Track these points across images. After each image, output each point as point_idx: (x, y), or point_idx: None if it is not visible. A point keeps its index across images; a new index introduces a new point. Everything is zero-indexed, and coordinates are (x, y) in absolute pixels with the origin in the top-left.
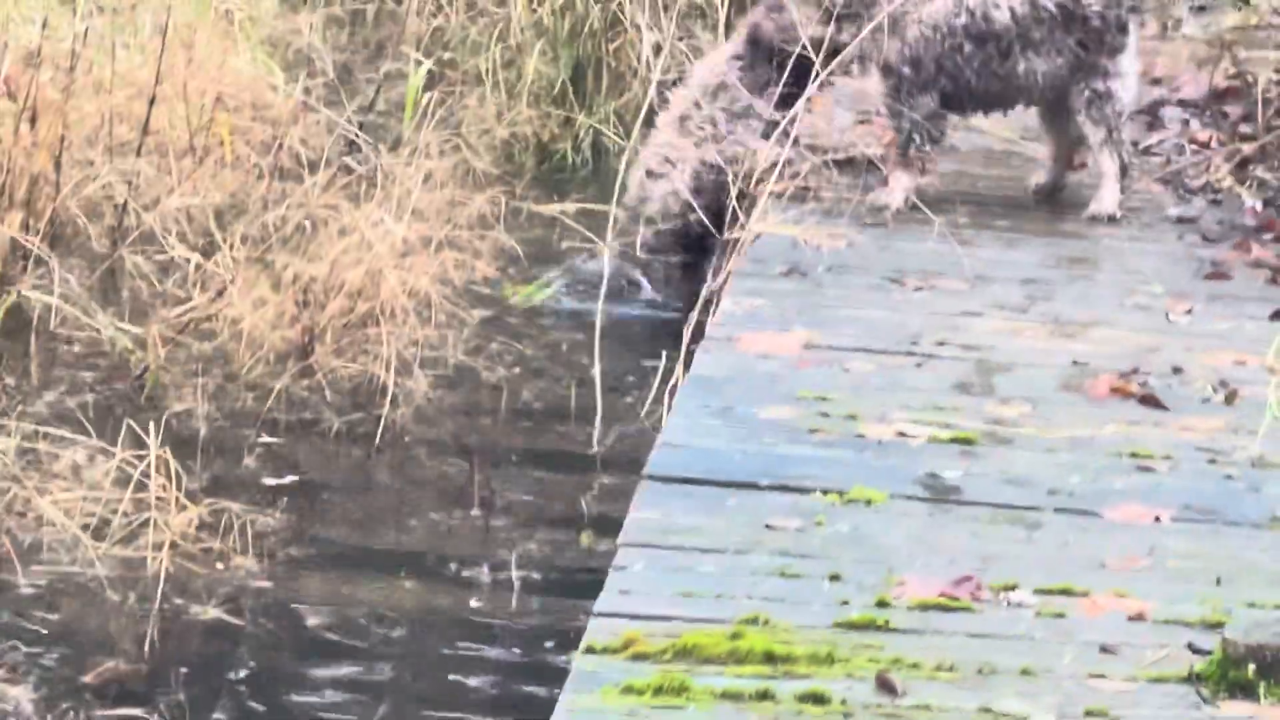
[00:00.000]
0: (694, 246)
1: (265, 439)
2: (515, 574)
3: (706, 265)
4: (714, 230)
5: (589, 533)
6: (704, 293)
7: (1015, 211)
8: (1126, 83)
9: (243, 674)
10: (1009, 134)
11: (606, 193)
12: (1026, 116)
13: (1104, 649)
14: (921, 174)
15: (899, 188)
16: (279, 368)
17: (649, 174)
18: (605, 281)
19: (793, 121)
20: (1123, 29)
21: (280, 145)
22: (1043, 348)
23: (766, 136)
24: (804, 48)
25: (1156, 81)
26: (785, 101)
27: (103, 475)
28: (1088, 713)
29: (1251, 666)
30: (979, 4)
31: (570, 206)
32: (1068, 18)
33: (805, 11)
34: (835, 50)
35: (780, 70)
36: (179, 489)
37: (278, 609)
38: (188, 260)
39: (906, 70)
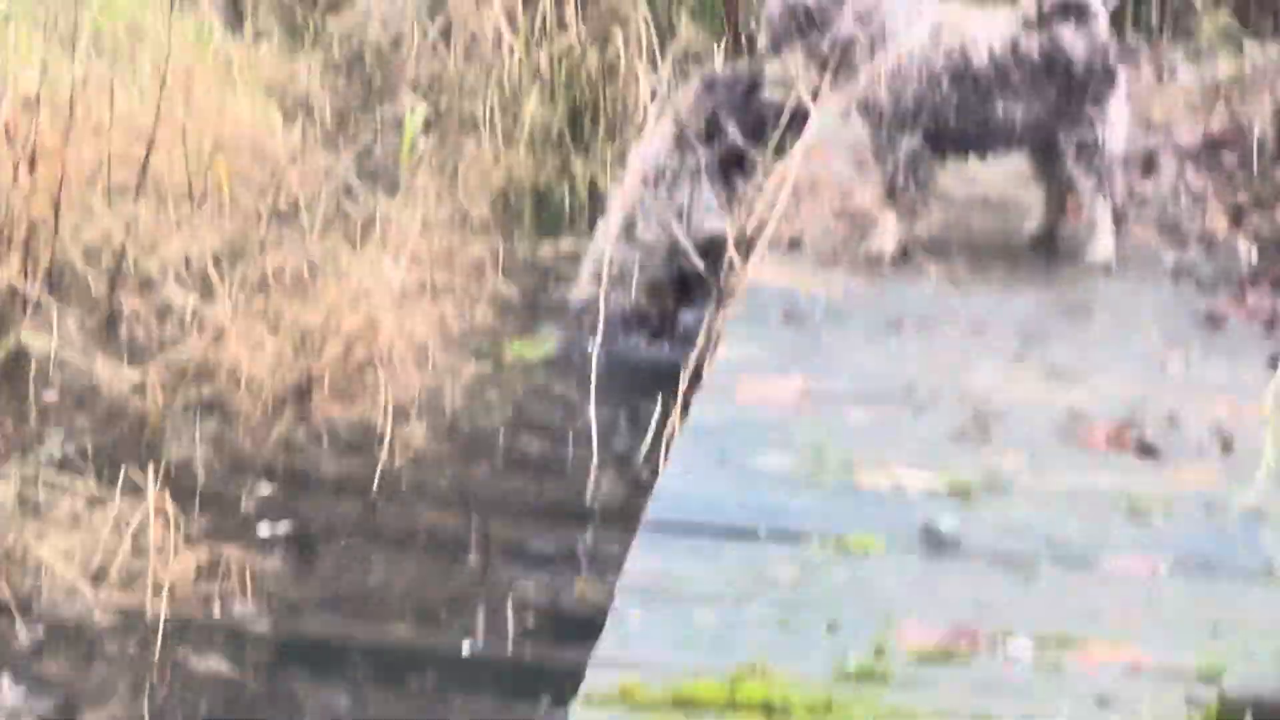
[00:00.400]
0: (690, 293)
1: (263, 484)
2: (512, 621)
3: (704, 312)
4: (710, 277)
5: (586, 581)
6: (701, 339)
7: (1011, 259)
8: (1116, 131)
9: None
10: (1004, 181)
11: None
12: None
13: (1101, 700)
14: (912, 217)
15: (890, 231)
16: (277, 413)
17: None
18: (602, 328)
19: (787, 170)
20: (1110, 78)
21: (278, 189)
22: (1039, 396)
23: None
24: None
25: (1152, 128)
26: (740, 163)
27: (101, 521)
28: None
29: (1249, 718)
30: (957, 43)
31: (567, 251)
32: (1049, 65)
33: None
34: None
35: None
36: (177, 535)
37: (276, 655)
38: (186, 305)
39: (886, 108)
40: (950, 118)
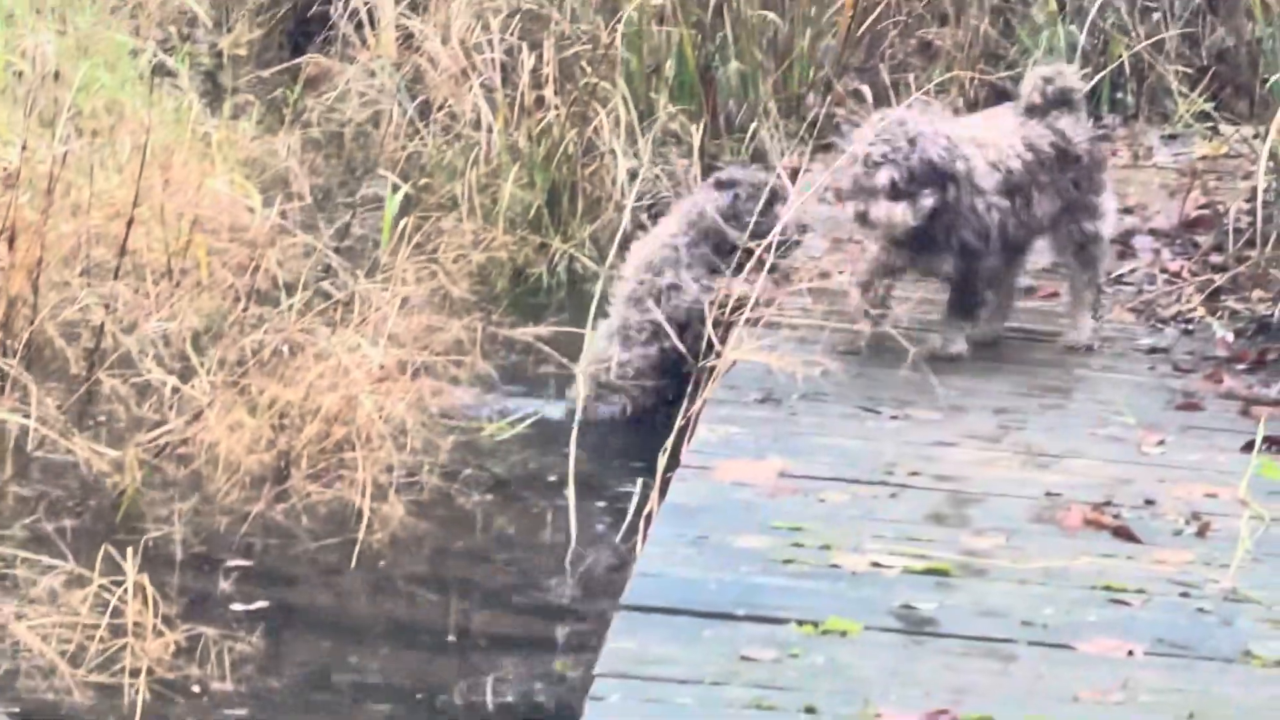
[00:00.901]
0: (670, 372)
1: (241, 563)
2: (491, 703)
3: (682, 392)
4: (689, 357)
5: (565, 662)
6: (679, 419)
7: (988, 340)
8: (1109, 220)
9: None
10: None
11: (582, 317)
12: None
13: None
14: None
15: (959, 342)
16: (255, 492)
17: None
18: (580, 407)
19: (769, 250)
20: (1102, 165)
21: (257, 268)
22: (1016, 478)
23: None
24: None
25: (1128, 210)
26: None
27: (80, 600)
28: None
29: None
30: (994, 156)
31: (546, 331)
32: (1062, 157)
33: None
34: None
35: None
36: (156, 615)
37: None
38: (165, 383)
39: (978, 244)
40: (1010, 227)
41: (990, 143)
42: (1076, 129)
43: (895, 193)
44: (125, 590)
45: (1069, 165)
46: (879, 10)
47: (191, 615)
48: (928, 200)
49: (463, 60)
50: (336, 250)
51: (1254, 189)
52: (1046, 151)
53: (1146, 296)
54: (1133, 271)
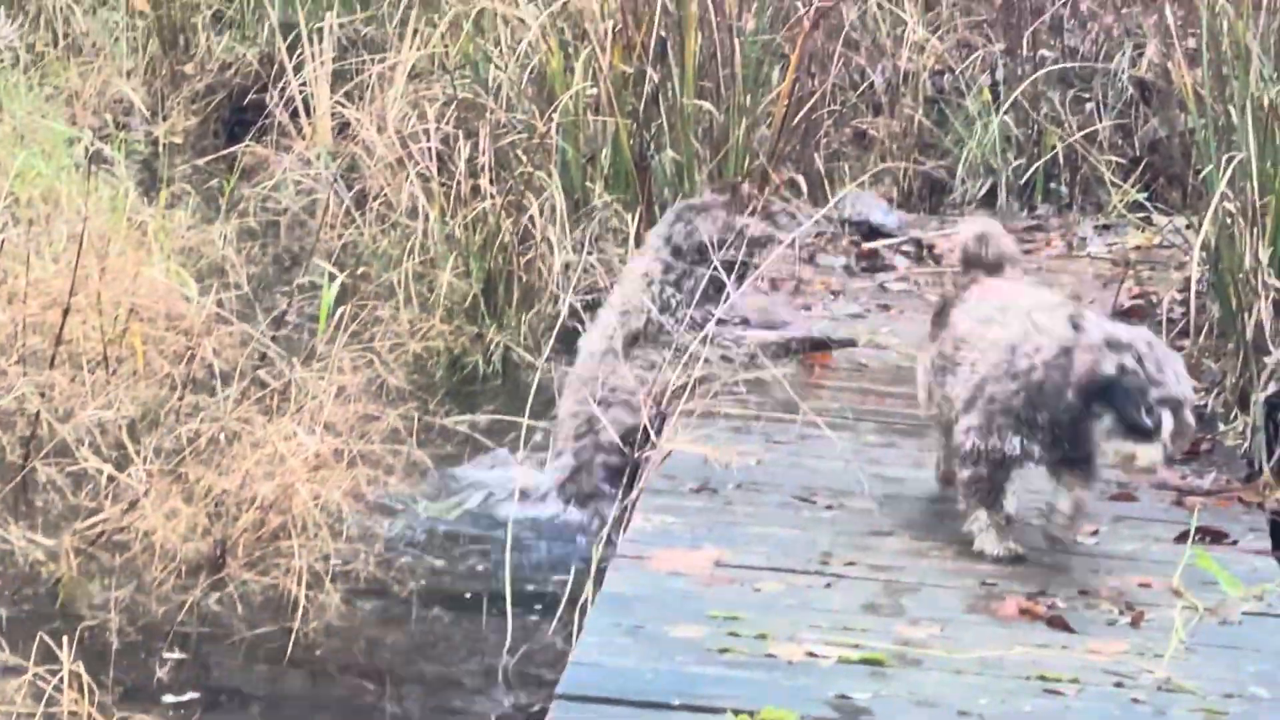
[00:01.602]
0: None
1: (177, 652)
2: None
3: (618, 481)
4: (624, 448)
5: None
6: (615, 509)
7: (922, 429)
8: None
9: None
10: (915, 352)
11: (518, 406)
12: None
13: None
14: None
15: (993, 536)
16: (191, 580)
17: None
18: (516, 497)
19: (704, 342)
20: None
21: (194, 357)
22: (951, 568)
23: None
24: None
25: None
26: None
27: (15, 689)
28: None
29: None
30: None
31: (482, 420)
32: None
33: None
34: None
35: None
36: (92, 704)
37: None
38: (101, 472)
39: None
40: None
41: (1050, 330)
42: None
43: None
44: (61, 679)
45: None
46: (814, 100)
47: (127, 704)
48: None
49: (399, 149)
50: (273, 339)
51: (1187, 279)
52: None
53: None
54: None
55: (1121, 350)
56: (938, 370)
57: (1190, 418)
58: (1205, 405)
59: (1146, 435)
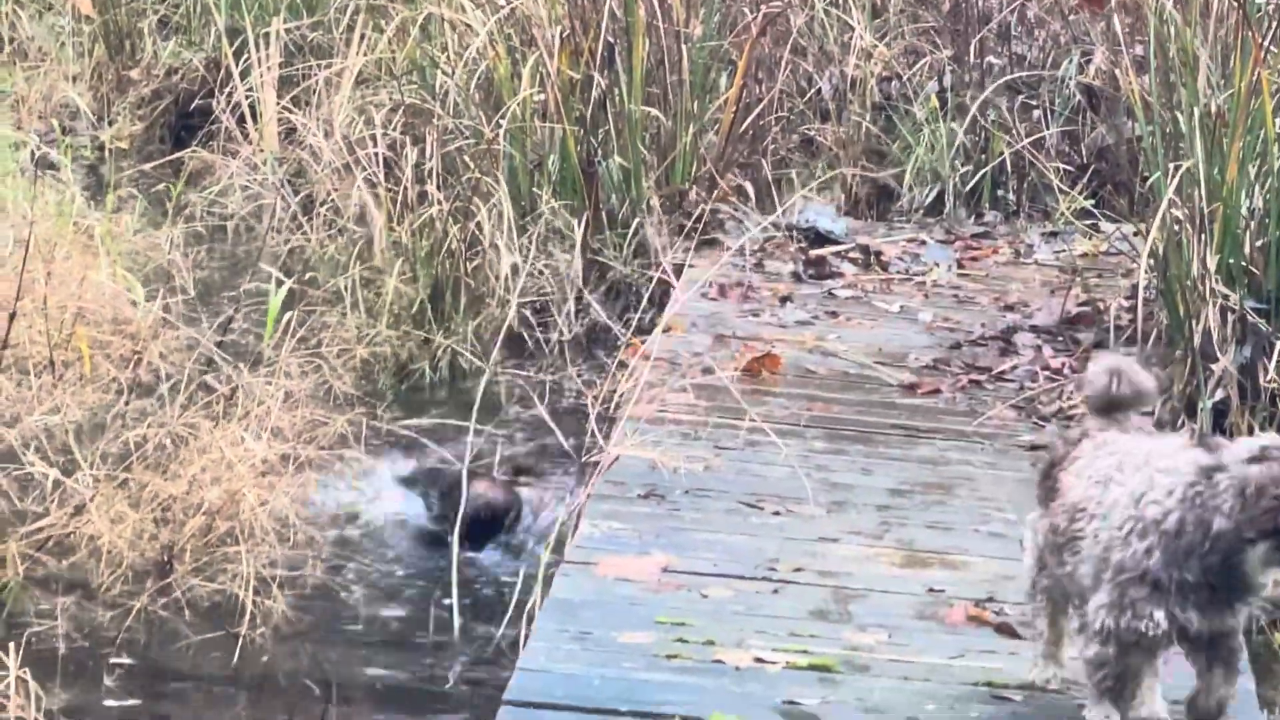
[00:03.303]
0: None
1: (124, 658)
2: None
3: (567, 486)
4: (573, 452)
5: None
6: (562, 514)
7: (870, 435)
8: None
9: None
10: (864, 358)
11: (465, 412)
12: (880, 339)
13: None
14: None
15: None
16: (138, 586)
17: None
18: (464, 502)
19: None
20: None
21: (140, 361)
22: (899, 574)
23: None
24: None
25: (1009, 308)
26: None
27: None
28: None
29: None
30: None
31: (428, 425)
32: None
33: None
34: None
35: None
36: (38, 710)
37: None
38: (47, 477)
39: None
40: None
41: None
42: None
43: None
44: (7, 685)
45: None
46: (761, 106)
47: (74, 710)
48: None
49: (346, 155)
50: (220, 344)
51: (1134, 286)
52: None
53: (1028, 393)
54: (1014, 368)
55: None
56: (1053, 549)
57: None
58: (1152, 413)
59: None
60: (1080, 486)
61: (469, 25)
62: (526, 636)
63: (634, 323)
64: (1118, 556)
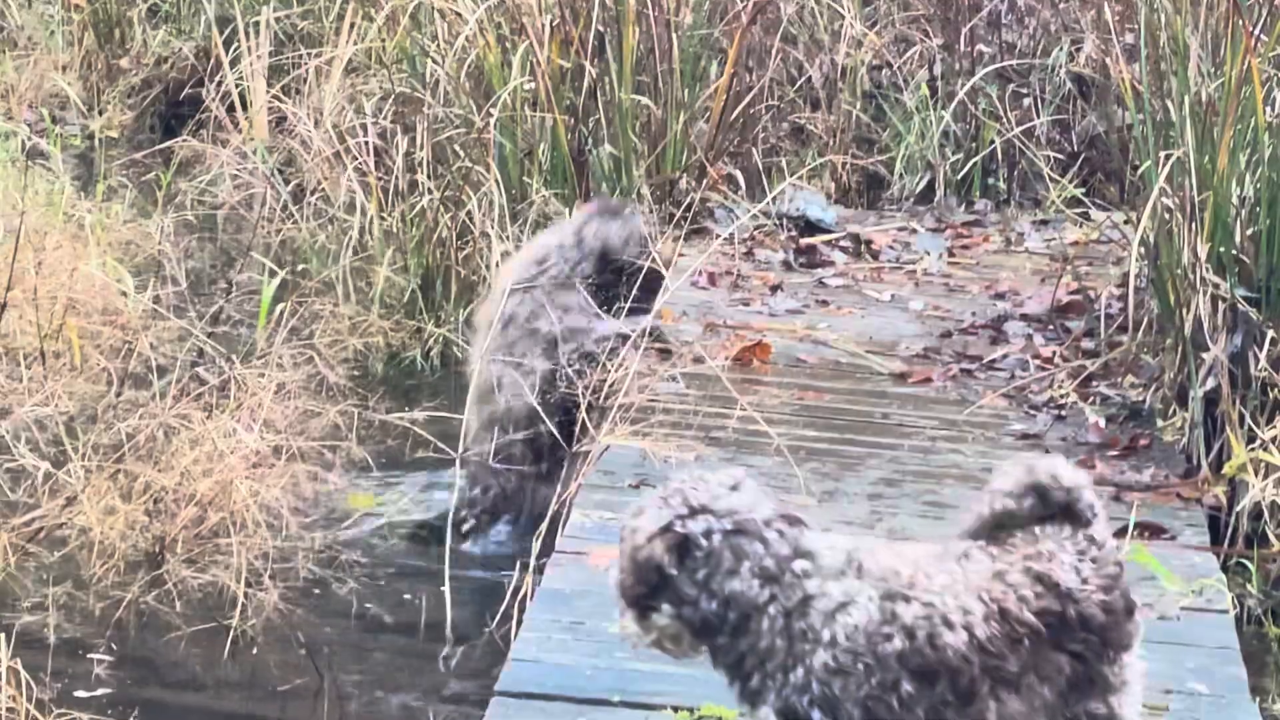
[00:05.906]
0: (546, 457)
1: (115, 649)
2: None
3: (558, 476)
4: (564, 442)
5: None
6: (554, 505)
7: (860, 426)
8: (1131, 696)
9: None
10: (854, 347)
11: (457, 401)
12: (871, 328)
13: None
14: None
15: None
16: (129, 577)
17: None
18: (456, 492)
19: (642, 334)
20: (1131, 613)
21: (131, 352)
22: None
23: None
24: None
25: (1000, 296)
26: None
27: None
28: None
29: None
30: (922, 622)
31: (421, 416)
32: (1061, 624)
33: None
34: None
35: (611, 275)
36: (29, 700)
37: None
38: (38, 468)
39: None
40: None
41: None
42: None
43: None
44: None
45: (1072, 632)
46: (752, 95)
47: (65, 701)
48: None
49: (336, 144)
50: (211, 335)
51: (1125, 275)
52: (1028, 623)
53: (1019, 382)
54: (1005, 357)
55: None
56: None
57: None
58: (1144, 401)
59: None
60: None
61: (459, 14)
62: (518, 627)
63: (624, 312)
64: None
